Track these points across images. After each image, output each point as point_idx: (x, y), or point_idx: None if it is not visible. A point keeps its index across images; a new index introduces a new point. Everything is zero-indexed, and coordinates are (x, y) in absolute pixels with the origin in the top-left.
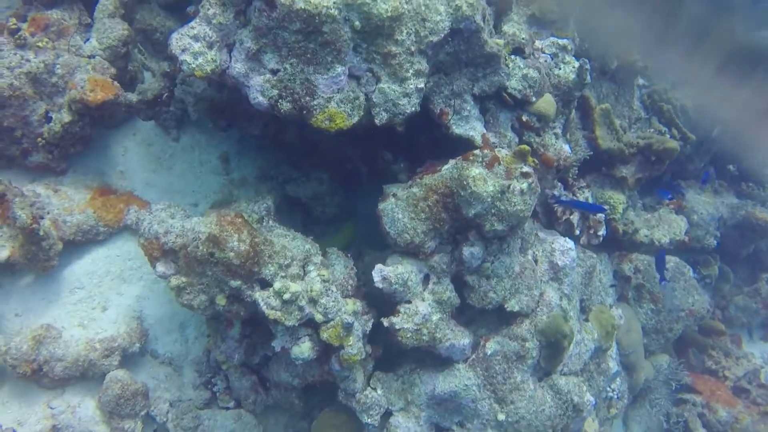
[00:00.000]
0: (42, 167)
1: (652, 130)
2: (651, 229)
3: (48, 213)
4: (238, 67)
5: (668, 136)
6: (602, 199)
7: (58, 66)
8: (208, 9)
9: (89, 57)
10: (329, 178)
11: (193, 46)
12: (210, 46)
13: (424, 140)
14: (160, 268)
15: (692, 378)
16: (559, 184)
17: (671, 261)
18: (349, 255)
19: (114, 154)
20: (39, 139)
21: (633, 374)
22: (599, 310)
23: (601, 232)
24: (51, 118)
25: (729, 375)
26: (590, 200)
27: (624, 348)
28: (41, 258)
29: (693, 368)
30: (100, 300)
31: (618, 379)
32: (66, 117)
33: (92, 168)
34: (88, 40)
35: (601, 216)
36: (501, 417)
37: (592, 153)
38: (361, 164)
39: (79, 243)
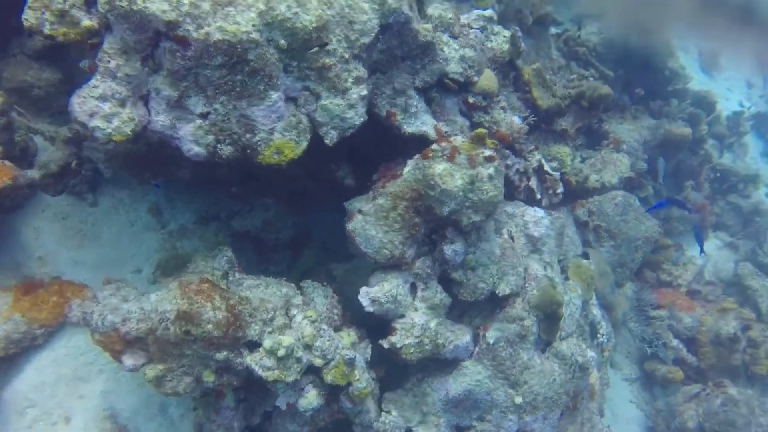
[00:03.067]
0: None
1: (574, 75)
2: (599, 172)
3: None
4: (161, 119)
5: (590, 78)
6: (550, 155)
7: None
8: (109, 62)
9: None
10: (275, 202)
11: (102, 108)
12: (122, 104)
13: (368, 141)
14: (128, 361)
15: (654, 294)
16: (509, 153)
17: (618, 196)
18: (324, 283)
19: (25, 239)
20: None
21: (612, 312)
22: (576, 265)
23: (560, 190)
24: None
25: (682, 282)
26: (542, 161)
27: (600, 291)
28: None
29: (651, 286)
30: (60, 412)
31: (603, 323)
32: None
33: (4, 263)
34: None
35: (556, 174)
36: (518, 400)
37: (535, 117)
38: (304, 180)
39: (14, 356)
